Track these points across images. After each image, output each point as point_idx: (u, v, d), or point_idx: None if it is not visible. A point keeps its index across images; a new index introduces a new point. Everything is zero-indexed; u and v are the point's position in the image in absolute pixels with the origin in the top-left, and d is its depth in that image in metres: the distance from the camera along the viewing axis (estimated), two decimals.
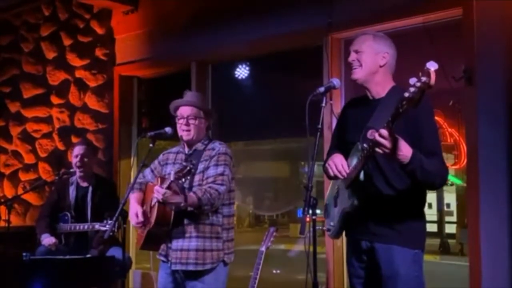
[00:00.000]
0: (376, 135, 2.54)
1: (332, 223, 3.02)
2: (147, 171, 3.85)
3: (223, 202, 3.58)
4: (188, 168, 3.30)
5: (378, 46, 2.93)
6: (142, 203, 3.67)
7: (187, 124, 3.61)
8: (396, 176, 2.80)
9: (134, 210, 3.60)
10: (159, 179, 3.49)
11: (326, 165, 2.92)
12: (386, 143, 2.54)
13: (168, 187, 3.32)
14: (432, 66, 2.32)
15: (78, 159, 4.97)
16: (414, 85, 2.34)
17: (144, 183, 3.78)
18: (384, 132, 2.52)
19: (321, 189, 4.52)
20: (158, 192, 3.32)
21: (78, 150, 5.02)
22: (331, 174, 2.89)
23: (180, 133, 3.65)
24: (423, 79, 2.31)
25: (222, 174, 3.52)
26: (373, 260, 2.88)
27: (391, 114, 2.47)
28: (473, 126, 3.97)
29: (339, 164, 2.84)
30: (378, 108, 2.85)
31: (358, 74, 2.93)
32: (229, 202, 3.65)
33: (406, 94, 2.36)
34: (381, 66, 2.92)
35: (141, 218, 3.55)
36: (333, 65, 4.60)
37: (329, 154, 3.07)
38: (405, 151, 2.61)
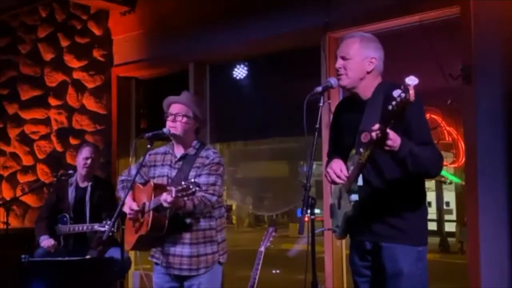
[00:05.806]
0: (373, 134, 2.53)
1: (338, 224, 3.02)
2: (132, 169, 3.81)
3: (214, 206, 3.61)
4: (192, 190, 3.25)
5: (365, 51, 2.89)
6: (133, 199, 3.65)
7: (174, 121, 3.61)
8: (395, 175, 2.79)
9: (129, 204, 3.57)
10: (155, 186, 3.49)
11: (326, 172, 2.90)
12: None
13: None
14: (411, 81, 2.32)
15: (88, 161, 5.07)
16: (395, 99, 2.34)
17: (131, 181, 3.70)
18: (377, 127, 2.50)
19: (320, 188, 4.51)
20: (166, 201, 3.28)
21: (87, 152, 5.10)
22: (330, 180, 2.86)
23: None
24: (402, 95, 2.32)
25: (214, 184, 3.53)
26: (378, 260, 2.87)
27: (383, 121, 2.46)
28: (471, 125, 3.97)
29: (338, 169, 2.82)
30: (366, 109, 2.84)
31: (345, 81, 2.91)
32: (218, 205, 3.67)
33: (390, 107, 2.37)
34: (368, 72, 2.89)
35: (135, 207, 3.52)
36: (331, 64, 4.59)
37: (328, 159, 3.07)
38: (394, 138, 2.57)
